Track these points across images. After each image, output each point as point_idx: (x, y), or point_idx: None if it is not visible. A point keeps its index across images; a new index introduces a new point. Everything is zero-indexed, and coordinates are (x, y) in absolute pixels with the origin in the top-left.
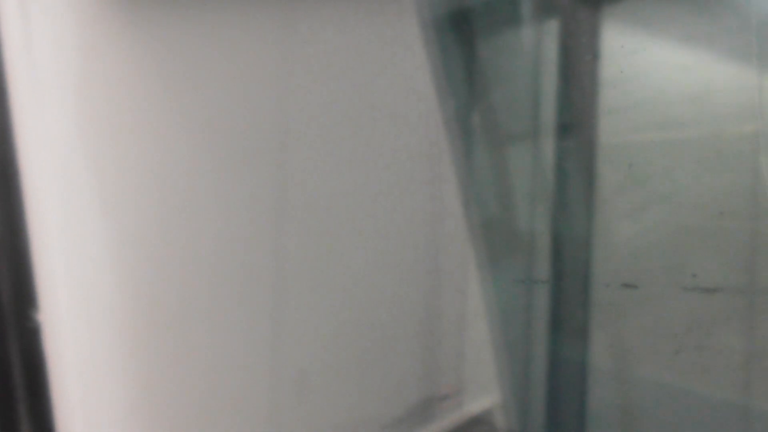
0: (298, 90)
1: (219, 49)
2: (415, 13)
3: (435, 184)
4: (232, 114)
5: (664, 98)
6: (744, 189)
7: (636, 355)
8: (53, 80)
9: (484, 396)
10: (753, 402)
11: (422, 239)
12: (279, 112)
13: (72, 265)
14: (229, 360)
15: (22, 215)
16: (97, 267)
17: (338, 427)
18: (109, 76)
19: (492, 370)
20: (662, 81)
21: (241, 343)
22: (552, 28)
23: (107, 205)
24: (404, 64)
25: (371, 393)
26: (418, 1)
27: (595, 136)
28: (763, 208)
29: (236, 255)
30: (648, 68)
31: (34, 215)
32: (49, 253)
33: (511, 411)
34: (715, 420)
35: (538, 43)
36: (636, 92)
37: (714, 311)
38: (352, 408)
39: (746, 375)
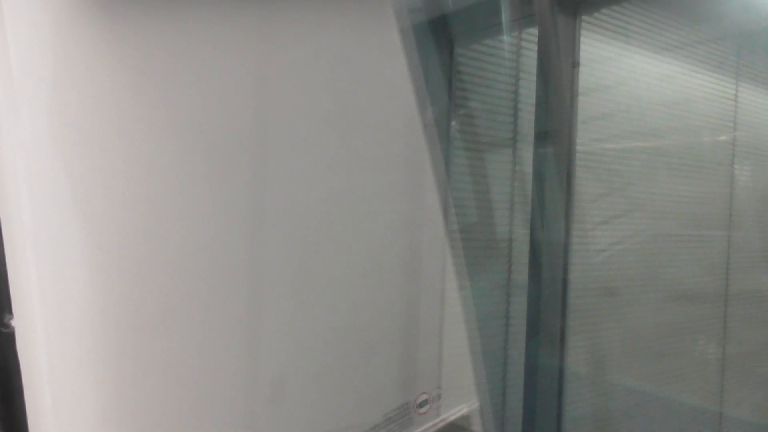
0: (278, 96)
1: (198, 53)
2: (396, 20)
3: (414, 190)
4: (211, 118)
5: (642, 107)
6: (720, 197)
7: (613, 361)
8: (27, 80)
9: (463, 402)
10: (727, 408)
11: (401, 245)
12: (258, 118)
13: (46, 270)
14: (206, 366)
15: None
16: (72, 272)
17: None
18: (84, 77)
19: (470, 376)
20: (640, 90)
21: (218, 349)
22: (532, 37)
23: (82, 209)
24: (384, 71)
25: (349, 399)
26: (399, 8)
27: (574, 143)
28: (738, 216)
29: (215, 259)
30: (626, 77)
31: (7, 218)
32: (22, 257)
33: (490, 417)
34: (690, 425)
35: (518, 51)
36: (614, 101)
37: (690, 317)
38: (329, 414)
39: (721, 381)
